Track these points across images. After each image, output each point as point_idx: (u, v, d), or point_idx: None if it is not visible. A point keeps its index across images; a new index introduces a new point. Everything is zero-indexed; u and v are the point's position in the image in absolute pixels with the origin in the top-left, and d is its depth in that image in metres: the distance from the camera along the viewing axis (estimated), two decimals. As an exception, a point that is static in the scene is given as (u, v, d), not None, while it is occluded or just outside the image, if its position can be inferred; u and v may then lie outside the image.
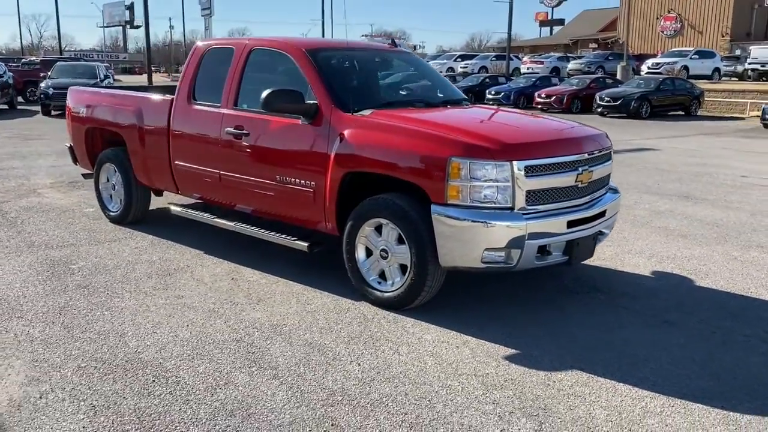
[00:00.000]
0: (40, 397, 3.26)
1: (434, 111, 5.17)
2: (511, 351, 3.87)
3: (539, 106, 24.67)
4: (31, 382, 3.41)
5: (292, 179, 4.90)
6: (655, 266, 5.61)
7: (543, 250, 4.22)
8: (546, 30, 68.78)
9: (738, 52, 41.44)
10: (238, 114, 5.30)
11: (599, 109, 22.98)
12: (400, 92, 5.66)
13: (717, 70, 30.75)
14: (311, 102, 4.77)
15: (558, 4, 66.73)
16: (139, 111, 6.18)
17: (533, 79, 28.07)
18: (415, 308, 4.42)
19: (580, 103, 24.72)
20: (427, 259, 4.22)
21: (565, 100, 24.50)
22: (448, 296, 4.62)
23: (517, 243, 4.05)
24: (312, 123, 4.77)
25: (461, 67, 39.03)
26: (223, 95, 5.43)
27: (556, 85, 27.35)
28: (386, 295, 4.48)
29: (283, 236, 5.07)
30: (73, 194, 8.29)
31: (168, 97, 6.06)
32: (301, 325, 4.21)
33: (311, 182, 4.78)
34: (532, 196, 4.14)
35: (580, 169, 4.41)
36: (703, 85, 25.82)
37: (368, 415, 3.13)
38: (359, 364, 3.66)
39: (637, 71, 32.01)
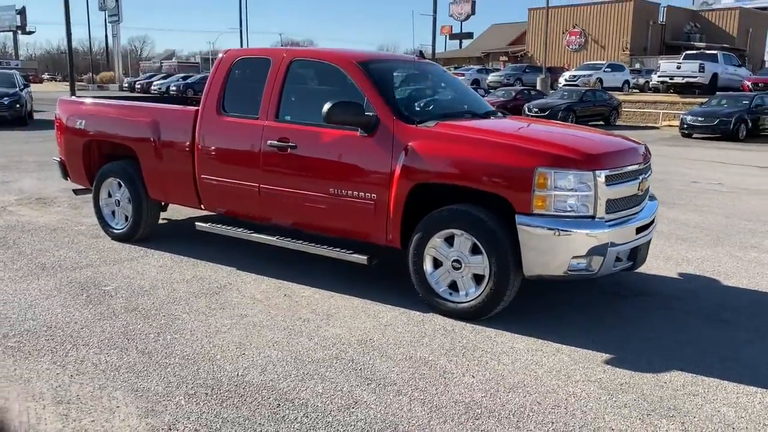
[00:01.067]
0: (170, 429, 3.06)
1: (492, 122, 5.25)
2: (605, 355, 3.99)
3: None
4: (149, 414, 3.20)
5: (349, 192, 4.84)
6: (678, 269, 5.92)
7: (617, 257, 4.38)
8: (452, 43, 70.59)
9: (638, 65, 44.13)
10: (283, 126, 5.17)
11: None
12: (448, 103, 5.70)
13: (627, 82, 32.68)
14: (370, 114, 4.73)
15: (466, 18, 68.75)
16: (154, 123, 5.90)
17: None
18: (487, 318, 4.44)
19: (508, 114, 25.46)
20: (508, 269, 4.28)
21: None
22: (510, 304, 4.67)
23: (600, 251, 4.19)
24: (371, 135, 4.73)
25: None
26: (262, 107, 5.28)
27: (483, 96, 28.09)
28: (461, 305, 4.50)
29: (340, 250, 4.99)
30: (50, 210, 7.78)
31: (191, 108, 5.82)
32: (389, 340, 4.16)
33: (372, 194, 4.74)
34: (610, 205, 4.29)
35: (640, 177, 4.62)
36: (619, 96, 27.38)
37: (518, 425, 3.15)
38: (473, 376, 3.67)
39: (552, 84, 33.52)
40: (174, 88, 45.05)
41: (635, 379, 3.67)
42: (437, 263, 4.62)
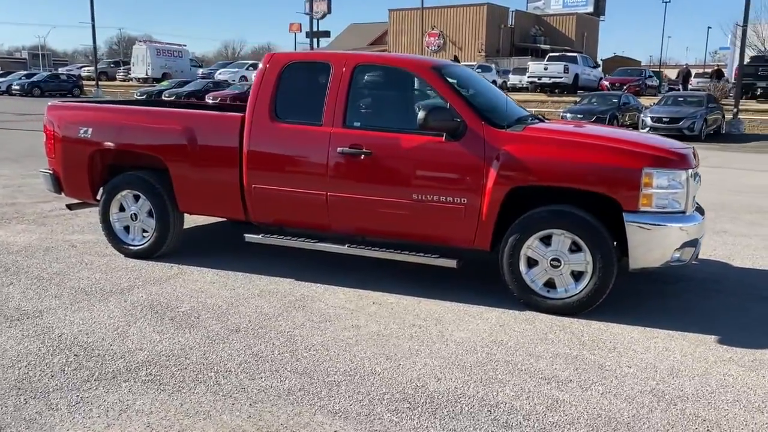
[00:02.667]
0: (413, 447, 3.02)
1: (567, 125, 5.52)
2: (712, 336, 4.40)
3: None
4: (376, 434, 3.12)
5: (435, 197, 4.89)
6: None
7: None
8: (304, 41, 70.57)
9: (493, 66, 46.78)
10: (354, 133, 5.10)
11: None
12: (502, 107, 5.86)
13: (494, 82, 34.58)
14: (458, 119, 4.82)
15: (323, 17, 68.95)
16: (189, 130, 5.55)
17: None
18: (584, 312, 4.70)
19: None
20: (613, 264, 4.58)
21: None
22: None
23: (691, 243, 4.62)
24: (458, 140, 4.82)
25: (220, 74, 38.59)
26: (326, 113, 5.16)
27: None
28: (563, 301, 4.73)
29: (428, 255, 5.03)
30: (18, 229, 6.99)
31: (235, 114, 5.54)
32: (518, 340, 4.29)
33: (461, 199, 4.83)
34: (691, 201, 4.73)
35: (699, 176, 5.12)
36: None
37: (716, 406, 3.44)
38: (629, 367, 3.91)
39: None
40: (17, 88, 41.14)
41: (760, 354, 4.09)
42: (531, 262, 4.81)
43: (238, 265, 5.73)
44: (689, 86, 32.36)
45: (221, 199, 5.57)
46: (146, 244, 5.88)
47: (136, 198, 5.90)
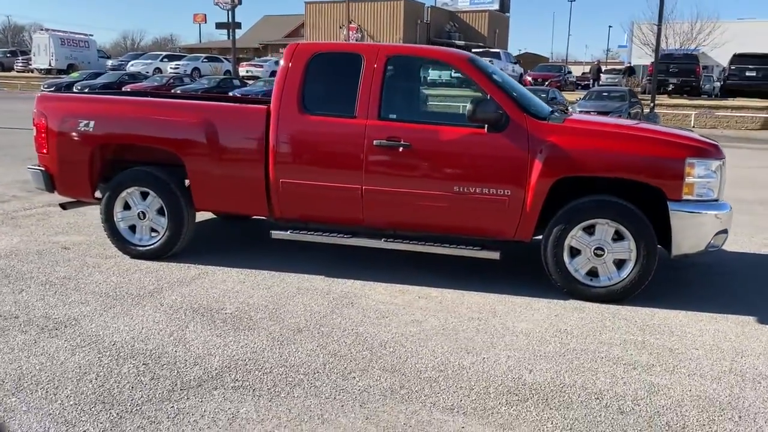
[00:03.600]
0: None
1: (601, 118, 5.62)
2: (749, 317, 4.65)
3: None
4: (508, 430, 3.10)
5: (477, 189, 4.90)
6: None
7: (723, 235, 5.08)
8: (210, 33, 68.90)
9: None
10: (391, 125, 5.02)
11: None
12: (531, 98, 5.89)
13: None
14: (501, 111, 4.84)
15: (233, 8, 67.34)
16: (208, 123, 5.28)
17: (260, 82, 28.33)
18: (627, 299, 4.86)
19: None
20: (655, 252, 4.75)
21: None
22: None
23: (725, 229, 4.85)
24: (501, 132, 4.84)
25: (171, 68, 37.20)
26: (359, 105, 5.05)
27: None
28: (607, 289, 4.86)
29: (471, 248, 5.02)
30: (6, 232, 6.43)
31: (259, 107, 5.33)
32: (581, 329, 4.36)
33: (505, 190, 4.86)
34: (723, 190, 4.97)
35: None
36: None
37: (794, 382, 3.64)
38: (697, 349, 4.07)
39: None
40: None
41: (802, 331, 4.37)
42: (574, 252, 4.90)
43: (257, 263, 5.52)
44: (599, 82, 33.89)
45: (243, 195, 5.34)
46: (157, 244, 5.55)
47: (144, 195, 5.55)
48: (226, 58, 40.74)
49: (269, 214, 5.39)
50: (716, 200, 4.81)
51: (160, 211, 5.53)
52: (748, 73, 27.09)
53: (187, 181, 5.41)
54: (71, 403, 3.18)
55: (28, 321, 4.17)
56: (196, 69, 37.38)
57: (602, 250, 4.82)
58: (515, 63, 34.39)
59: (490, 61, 30.94)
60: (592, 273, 4.90)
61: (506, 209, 4.87)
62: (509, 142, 4.80)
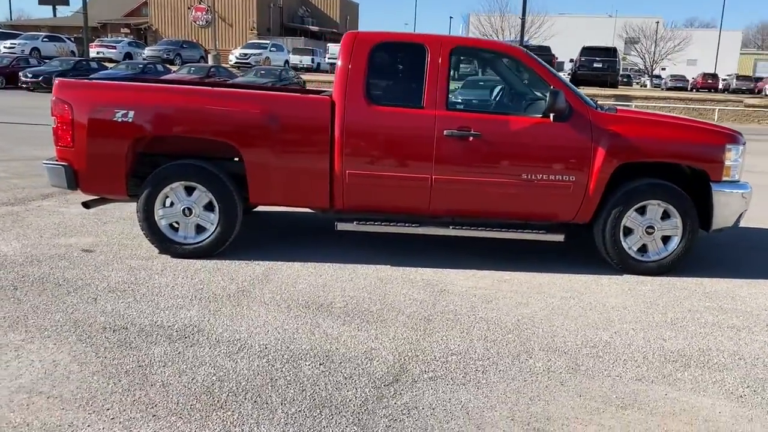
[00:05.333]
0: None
1: (634, 109, 6.08)
2: (775, 281, 5.43)
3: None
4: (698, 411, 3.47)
5: (544, 176, 5.21)
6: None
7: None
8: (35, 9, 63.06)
9: (284, 45, 46.62)
10: (461, 115, 5.19)
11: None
12: None
13: (287, 62, 34.56)
14: (569, 102, 5.18)
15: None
16: (269, 114, 5.11)
17: (140, 66, 26.67)
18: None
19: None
20: (697, 227, 5.37)
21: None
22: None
23: (746, 207, 5.57)
24: (566, 121, 5.19)
25: (6, 48, 33.56)
26: (427, 96, 5.14)
27: (166, 73, 26.70)
28: (657, 263, 5.38)
29: (537, 232, 5.33)
30: (3, 237, 5.72)
31: (323, 97, 5.24)
32: (665, 300, 4.83)
33: (570, 176, 5.22)
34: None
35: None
36: (314, 76, 29.07)
37: None
38: None
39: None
40: None
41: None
42: (627, 231, 5.39)
43: (309, 255, 5.46)
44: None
45: (305, 187, 5.22)
46: (205, 242, 5.26)
47: (189, 190, 5.23)
48: (68, 38, 37.33)
49: (329, 206, 5.31)
50: (738, 181, 5.49)
51: (208, 207, 5.24)
52: (595, 65, 29.86)
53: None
54: (293, 410, 3.05)
55: (144, 331, 3.85)
56: (35, 49, 33.93)
57: (652, 228, 5.33)
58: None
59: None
60: (642, 249, 5.40)
61: (570, 194, 5.21)
62: (574, 131, 5.14)
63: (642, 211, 5.31)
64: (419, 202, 5.25)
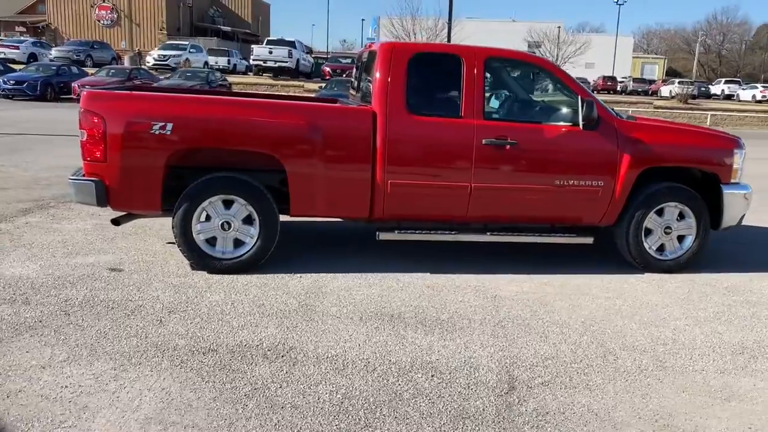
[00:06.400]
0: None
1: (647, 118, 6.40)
2: (775, 273, 5.93)
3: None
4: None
5: (576, 181, 5.46)
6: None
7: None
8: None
9: (202, 46, 45.39)
10: (497, 124, 5.34)
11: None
12: None
13: (206, 63, 33.65)
14: (598, 112, 5.44)
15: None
16: (312, 126, 5.07)
17: (53, 68, 25.23)
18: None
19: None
20: (709, 227, 5.79)
21: (113, 93, 23.31)
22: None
23: (748, 207, 6.05)
24: (594, 129, 5.47)
25: None
26: (465, 106, 5.27)
27: (82, 75, 25.43)
28: (675, 261, 5.75)
29: (569, 235, 5.58)
30: (16, 258, 5.35)
31: (365, 107, 5.26)
32: (695, 296, 5.18)
33: (599, 182, 5.50)
34: (740, 175, 6.16)
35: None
36: (231, 78, 28.40)
37: None
38: (783, 301, 5.16)
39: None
40: None
41: (820, 281, 5.71)
42: (647, 232, 5.73)
43: (352, 265, 5.46)
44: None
45: (346, 197, 5.22)
46: (246, 256, 5.15)
47: (227, 204, 5.11)
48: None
49: (369, 216, 5.33)
50: (740, 183, 5.95)
51: (247, 220, 5.14)
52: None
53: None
54: (437, 424, 3.09)
55: (235, 352, 3.76)
56: None
57: (670, 228, 5.69)
58: (307, 53, 34.82)
59: (288, 51, 31.08)
60: (660, 249, 5.75)
61: (598, 198, 5.48)
62: (603, 139, 5.41)
63: (660, 212, 5.65)
64: (457, 210, 5.35)
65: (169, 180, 5.05)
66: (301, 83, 28.21)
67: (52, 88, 23.96)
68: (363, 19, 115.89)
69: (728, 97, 46.60)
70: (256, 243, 5.11)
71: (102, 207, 5.02)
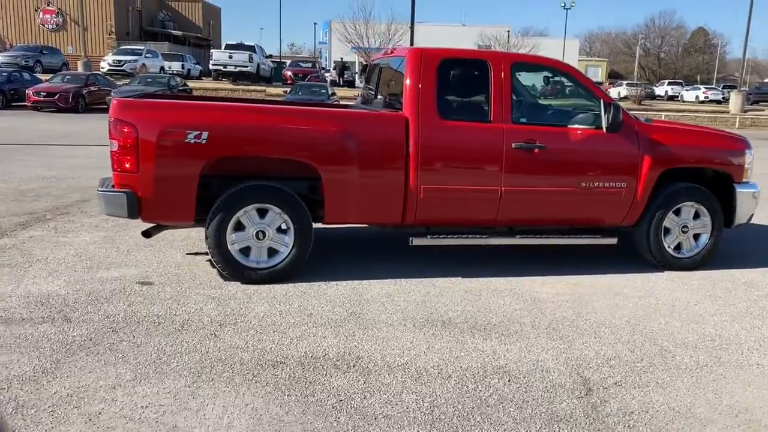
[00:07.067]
0: None
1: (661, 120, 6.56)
2: (783, 268, 6.18)
3: (36, 105, 22.25)
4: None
5: (600, 183, 5.58)
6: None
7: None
8: None
9: (158, 51, 44.39)
10: (526, 128, 5.43)
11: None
12: None
13: (162, 68, 32.97)
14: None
15: None
16: (348, 132, 5.06)
17: (4, 74, 24.29)
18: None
19: (84, 101, 23.38)
20: (722, 225, 6.00)
21: (71, 99, 22.68)
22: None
23: (757, 205, 6.29)
24: (616, 132, 5.60)
25: None
26: (494, 110, 5.32)
27: (36, 81, 24.58)
28: (691, 258, 5.91)
29: (595, 237, 5.69)
30: (37, 274, 5.13)
31: (397, 113, 5.26)
32: (718, 291, 5.36)
33: (621, 183, 5.63)
34: (749, 174, 6.40)
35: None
36: (189, 84, 27.85)
37: None
38: (802, 295, 5.39)
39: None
40: None
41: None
42: (665, 231, 5.90)
43: (382, 271, 5.45)
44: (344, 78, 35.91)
45: (380, 203, 5.21)
46: (281, 265, 5.08)
47: (261, 213, 5.04)
48: None
49: (401, 221, 5.33)
50: (750, 182, 6.18)
51: (280, 229, 5.07)
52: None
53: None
54: (534, 429, 3.12)
55: (305, 364, 3.70)
56: None
57: (687, 227, 5.87)
58: (267, 57, 34.48)
59: (249, 56, 30.69)
60: (677, 247, 5.92)
61: (621, 199, 5.61)
62: (625, 141, 5.54)
63: (677, 212, 5.82)
64: (488, 214, 5.40)
65: (198, 189, 4.94)
66: (263, 88, 27.92)
67: (4, 95, 23.07)
68: (315, 23, 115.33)
69: (672, 98, 48.32)
70: (291, 252, 5.04)
71: (133, 219, 4.86)
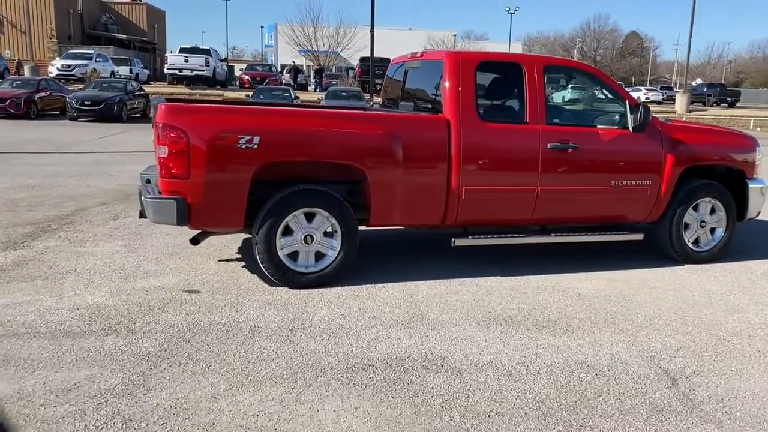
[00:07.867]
0: None
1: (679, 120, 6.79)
2: (790, 259, 6.53)
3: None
4: None
5: (628, 181, 5.79)
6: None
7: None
8: None
9: (108, 55, 42.96)
10: (560, 129, 5.58)
11: (75, 113, 21.69)
12: None
13: (113, 73, 32.05)
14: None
15: None
16: (394, 135, 5.10)
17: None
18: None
19: (36, 107, 22.54)
20: (736, 220, 6.29)
21: (22, 105, 21.83)
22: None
23: (765, 200, 6.62)
24: (642, 131, 5.81)
25: None
26: (529, 112, 5.44)
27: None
28: (708, 252, 6.17)
29: (621, 233, 5.89)
30: (79, 289, 4.97)
31: (439, 116, 5.32)
32: (744, 283, 5.61)
33: (647, 181, 5.85)
34: (756, 170, 6.72)
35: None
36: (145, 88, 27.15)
37: None
38: (818, 283, 5.71)
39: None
40: None
41: (831, 264, 6.35)
42: (685, 226, 6.15)
43: (425, 271, 5.50)
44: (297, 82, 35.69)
45: (422, 205, 5.26)
46: (329, 269, 5.08)
47: (309, 217, 5.02)
48: None
49: (441, 222, 5.40)
50: (758, 178, 6.50)
51: (327, 233, 5.07)
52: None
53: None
54: (642, 418, 3.23)
55: (393, 366, 3.71)
56: None
57: (704, 222, 6.13)
58: (222, 60, 33.94)
59: (205, 59, 30.15)
60: (695, 242, 6.18)
61: (647, 196, 5.83)
62: (651, 140, 5.76)
63: (696, 207, 6.07)
64: (524, 213, 5.52)
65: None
66: (220, 92, 27.48)
67: (-49, 101, 21.96)
68: (262, 26, 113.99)
69: (615, 100, 49.76)
70: (338, 255, 5.04)
71: (181, 226, 4.76)
